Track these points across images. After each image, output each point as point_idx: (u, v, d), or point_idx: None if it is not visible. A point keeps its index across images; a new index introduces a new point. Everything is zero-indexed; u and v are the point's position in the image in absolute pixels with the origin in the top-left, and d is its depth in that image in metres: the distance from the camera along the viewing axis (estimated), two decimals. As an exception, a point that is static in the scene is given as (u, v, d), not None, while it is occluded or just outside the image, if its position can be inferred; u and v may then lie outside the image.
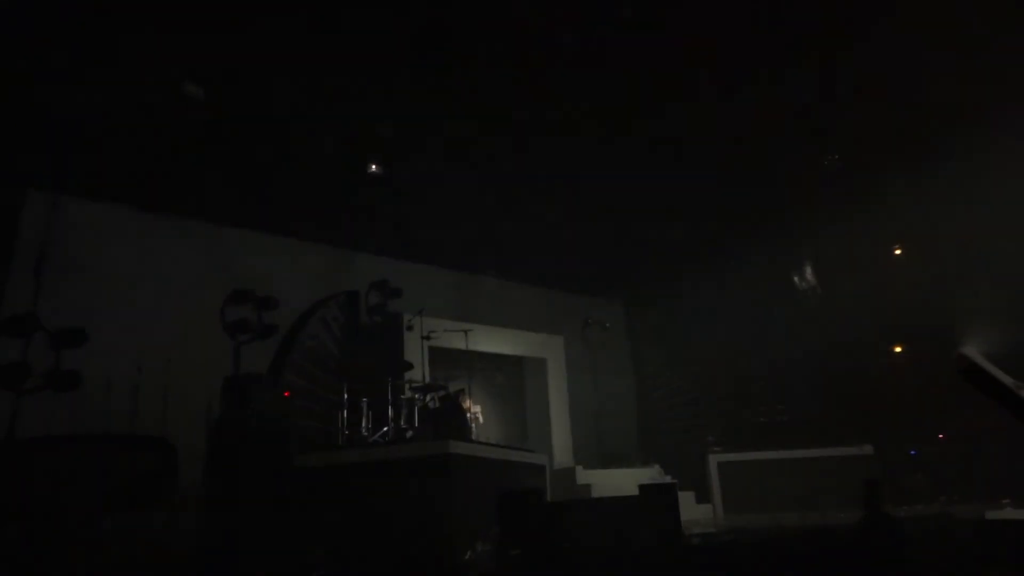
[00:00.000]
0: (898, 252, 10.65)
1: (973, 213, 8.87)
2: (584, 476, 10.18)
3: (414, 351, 9.14)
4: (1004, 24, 6.68)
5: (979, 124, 7.99)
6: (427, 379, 8.73)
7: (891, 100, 7.73)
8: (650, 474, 10.33)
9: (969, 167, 8.61)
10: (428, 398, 8.41)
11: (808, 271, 11.12)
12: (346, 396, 7.83)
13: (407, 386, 8.33)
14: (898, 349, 10.84)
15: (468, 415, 8.54)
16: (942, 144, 8.43)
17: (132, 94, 6.70)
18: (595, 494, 9.30)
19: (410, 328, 9.26)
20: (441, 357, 10.21)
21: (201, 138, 7.35)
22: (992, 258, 8.66)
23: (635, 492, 6.93)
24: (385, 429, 7.72)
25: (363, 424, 7.72)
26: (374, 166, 8.61)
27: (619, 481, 9.79)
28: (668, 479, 9.93)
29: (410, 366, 8.69)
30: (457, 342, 9.41)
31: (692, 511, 9.80)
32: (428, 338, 9.08)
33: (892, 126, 8.23)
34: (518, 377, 12.52)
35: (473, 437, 8.40)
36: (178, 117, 6.99)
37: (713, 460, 10.60)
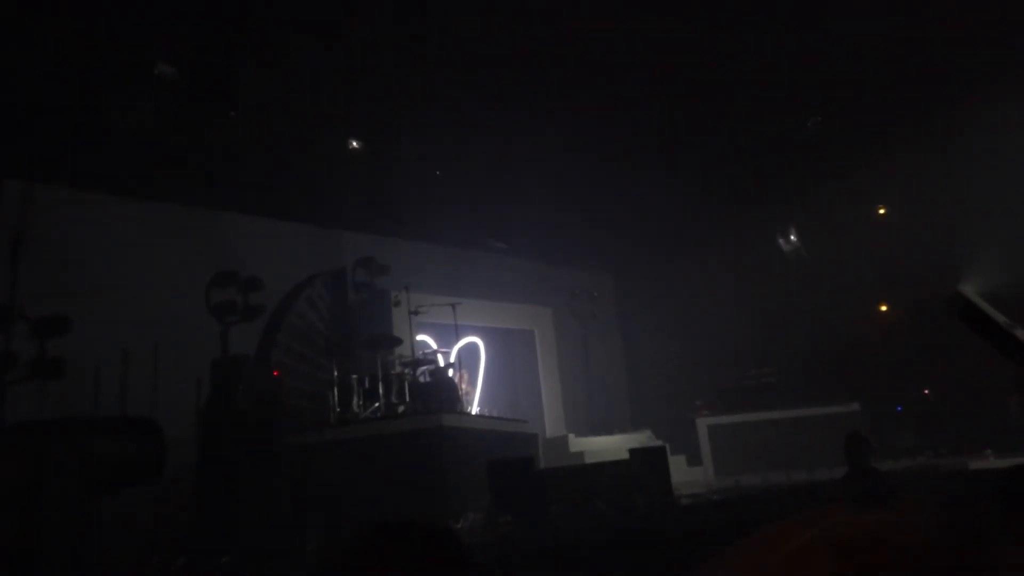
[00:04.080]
0: (882, 211, 10.69)
1: (958, 167, 8.90)
2: (577, 444, 10.27)
3: (402, 326, 9.15)
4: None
5: (965, 79, 7.98)
6: (416, 354, 8.74)
7: (874, 59, 7.68)
8: (641, 439, 10.44)
9: (954, 122, 8.61)
10: (419, 372, 8.43)
11: (792, 233, 11.16)
12: (336, 374, 7.83)
13: (397, 361, 8.35)
14: (883, 308, 10.94)
15: (459, 388, 8.57)
16: (926, 100, 8.43)
17: (105, 76, 6.57)
18: (588, 461, 9.39)
19: (397, 304, 9.25)
20: (429, 331, 10.24)
21: (177, 120, 7.23)
22: (990, 200, 8.67)
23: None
24: (376, 405, 7.74)
25: (354, 401, 7.73)
26: (354, 142, 8.52)
27: (611, 447, 9.90)
28: (659, 443, 10.03)
29: (399, 341, 8.70)
30: (445, 316, 9.43)
31: (685, 474, 9.91)
32: (416, 313, 9.08)
33: (874, 85, 8.19)
34: (509, 349, 12.56)
35: (464, 409, 8.45)
36: (153, 99, 6.87)
37: (702, 423, 10.70)
